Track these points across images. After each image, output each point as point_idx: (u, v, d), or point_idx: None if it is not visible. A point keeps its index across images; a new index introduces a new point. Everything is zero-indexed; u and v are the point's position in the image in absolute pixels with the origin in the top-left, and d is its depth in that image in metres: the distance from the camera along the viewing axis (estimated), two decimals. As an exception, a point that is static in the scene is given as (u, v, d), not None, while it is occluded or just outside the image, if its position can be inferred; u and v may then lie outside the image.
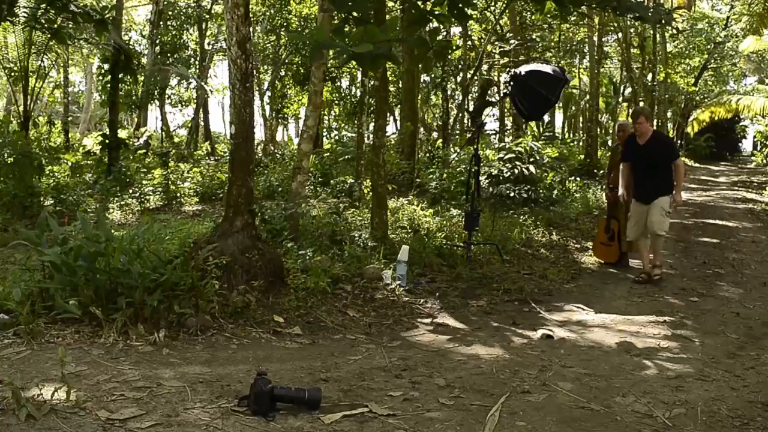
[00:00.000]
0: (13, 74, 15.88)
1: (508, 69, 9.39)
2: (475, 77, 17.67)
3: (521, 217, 9.50)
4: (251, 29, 5.32)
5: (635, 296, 6.05)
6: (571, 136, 33.21)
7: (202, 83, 21.60)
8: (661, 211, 6.39)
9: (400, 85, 18.00)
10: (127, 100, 18.55)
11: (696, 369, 3.99)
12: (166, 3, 20.15)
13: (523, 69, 7.09)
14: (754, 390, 3.65)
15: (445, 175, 11.64)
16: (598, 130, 22.98)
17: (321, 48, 4.39)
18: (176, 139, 24.93)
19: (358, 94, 17.84)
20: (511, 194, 10.41)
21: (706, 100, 27.83)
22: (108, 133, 13.47)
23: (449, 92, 20.56)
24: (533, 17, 18.11)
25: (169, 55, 21.16)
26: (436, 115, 27.46)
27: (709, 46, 27.35)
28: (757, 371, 3.99)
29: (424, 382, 3.65)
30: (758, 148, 29.03)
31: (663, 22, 6.41)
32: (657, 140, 6.64)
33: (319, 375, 3.67)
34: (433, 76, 19.43)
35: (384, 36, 4.00)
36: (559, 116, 33.39)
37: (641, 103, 25.83)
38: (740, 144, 40.16)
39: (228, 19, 5.06)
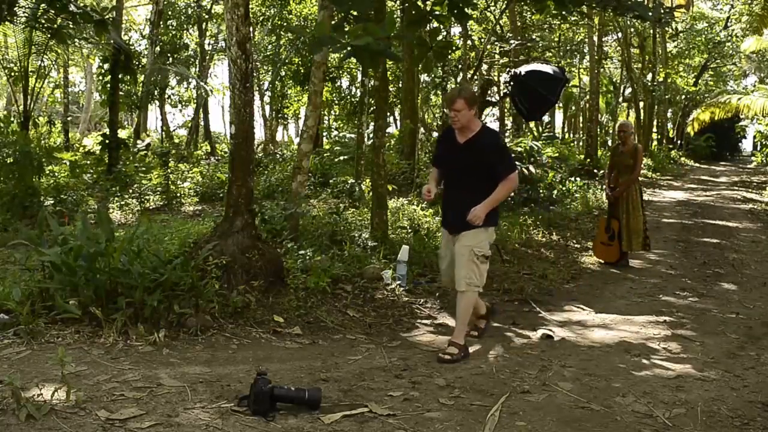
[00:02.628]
0: (13, 74, 15.89)
1: (508, 69, 9.40)
2: (475, 77, 17.68)
3: (521, 217, 9.49)
4: (251, 29, 5.32)
5: (635, 296, 6.05)
6: (571, 136, 33.22)
7: (202, 83, 21.60)
8: (471, 256, 4.14)
9: (400, 85, 17.99)
10: (127, 100, 18.55)
11: (696, 369, 3.99)
12: (166, 3, 20.15)
13: (523, 69, 7.11)
14: (754, 390, 3.65)
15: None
16: (598, 130, 22.99)
17: (321, 43, 4.39)
18: (176, 139, 24.94)
19: (358, 94, 17.84)
20: (512, 194, 10.41)
21: (706, 100, 27.81)
22: (108, 133, 13.47)
23: (449, 92, 20.52)
24: (533, 17, 18.12)
25: (169, 55, 21.16)
26: (436, 115, 27.45)
27: (709, 46, 27.35)
28: (757, 371, 3.99)
29: (424, 382, 3.65)
30: (758, 148, 29.02)
31: (662, 21, 6.41)
32: (482, 140, 4.23)
33: (319, 375, 3.67)
34: (433, 76, 19.41)
35: (383, 33, 3.99)
36: (559, 116, 33.42)
37: (641, 103, 25.90)
38: (740, 144, 40.18)
39: (228, 19, 5.06)
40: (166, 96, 23.56)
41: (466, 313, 4.24)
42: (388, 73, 11.78)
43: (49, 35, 12.18)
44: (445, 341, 4.49)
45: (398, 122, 21.14)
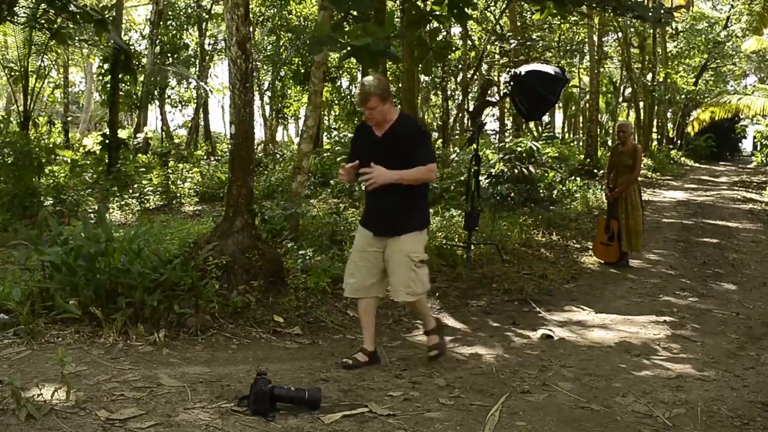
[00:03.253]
0: (13, 74, 15.90)
1: (508, 69, 9.40)
2: (475, 77, 17.69)
3: (521, 217, 9.49)
4: (251, 29, 5.32)
5: (635, 296, 6.05)
6: (571, 136, 33.23)
7: (202, 83, 21.61)
8: (408, 263, 3.79)
9: (400, 85, 17.99)
10: (127, 100, 18.56)
11: (696, 369, 3.99)
12: (166, 3, 20.15)
13: (523, 69, 7.10)
14: (754, 390, 3.65)
15: (445, 175, 11.63)
16: (598, 130, 22.99)
17: (320, 43, 4.39)
18: (176, 139, 24.95)
19: (358, 94, 17.82)
20: (511, 194, 10.42)
21: (706, 100, 27.83)
22: (108, 133, 13.48)
23: (449, 92, 20.57)
24: (533, 17, 18.11)
25: (169, 55, 21.16)
26: (436, 115, 27.45)
27: (709, 46, 27.36)
28: (757, 371, 3.99)
29: (424, 382, 3.65)
30: (758, 148, 29.02)
31: (662, 21, 6.40)
32: (401, 128, 3.82)
33: (319, 375, 3.67)
34: (433, 76, 19.42)
35: (383, 33, 3.99)
36: (559, 116, 33.47)
37: (641, 103, 25.90)
38: (740, 144, 40.19)
39: (228, 19, 5.06)
40: (166, 96, 23.57)
41: (424, 307, 4.06)
42: (388, 73, 11.77)
43: (49, 35, 12.19)
44: (445, 341, 4.49)
45: (398, 122, 21.06)
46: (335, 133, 23.21)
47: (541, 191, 11.46)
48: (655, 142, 28.55)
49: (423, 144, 3.81)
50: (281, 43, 21.11)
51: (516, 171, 10.86)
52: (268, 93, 24.11)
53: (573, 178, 14.45)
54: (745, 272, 7.18)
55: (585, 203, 11.73)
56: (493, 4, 17.69)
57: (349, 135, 18.46)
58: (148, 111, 22.86)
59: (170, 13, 21.35)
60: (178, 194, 11.83)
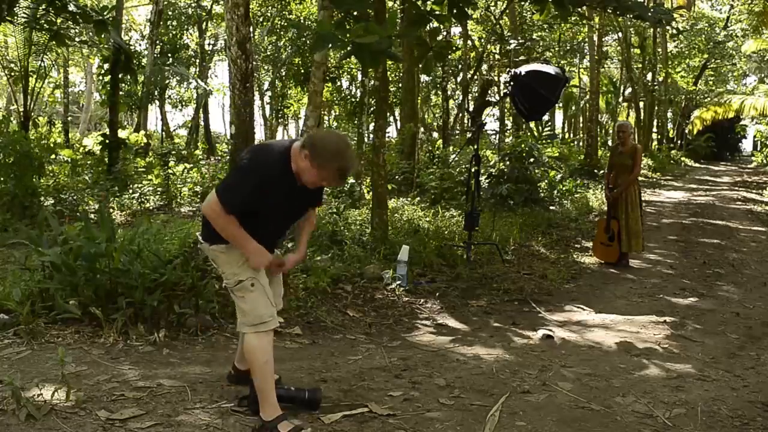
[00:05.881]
0: (13, 74, 15.89)
1: (508, 69, 9.40)
2: (475, 77, 17.70)
3: (521, 217, 9.49)
4: (251, 29, 5.32)
5: (635, 296, 6.05)
6: (571, 136, 33.23)
7: (202, 83, 21.61)
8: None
9: (400, 85, 18.01)
10: (127, 100, 18.56)
11: (696, 369, 3.99)
12: (166, 3, 20.15)
13: (523, 69, 7.09)
14: (754, 390, 3.65)
15: (445, 175, 11.63)
16: (598, 130, 22.98)
17: (323, 41, 4.38)
18: (176, 139, 24.95)
19: (358, 94, 17.85)
20: (511, 194, 10.42)
21: (706, 100, 27.85)
22: (108, 133, 13.47)
23: (449, 92, 20.58)
24: (533, 17, 18.12)
25: (169, 55, 21.16)
26: (436, 115, 27.46)
27: (709, 46, 27.37)
28: (757, 371, 3.99)
29: (424, 382, 3.65)
30: (758, 148, 29.04)
31: (663, 21, 6.40)
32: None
33: (319, 375, 3.67)
34: (433, 76, 19.43)
35: (384, 32, 3.99)
36: (559, 116, 33.46)
37: (641, 103, 25.90)
38: (740, 144, 40.23)
39: (228, 19, 5.06)
40: (166, 96, 23.57)
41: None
42: (389, 73, 11.77)
43: (49, 36, 12.18)
44: (446, 341, 4.50)
45: (398, 122, 21.14)
46: (335, 133, 23.19)
47: (541, 191, 11.46)
48: (655, 142, 28.56)
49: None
50: (281, 43, 21.13)
51: (516, 171, 10.86)
52: (268, 93, 24.13)
53: (573, 178, 14.46)
54: (745, 272, 7.18)
55: (585, 203, 11.74)
56: (493, 4, 17.69)
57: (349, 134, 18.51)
58: (148, 111, 22.89)
59: (170, 13, 21.36)
60: (178, 194, 11.82)
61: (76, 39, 16.19)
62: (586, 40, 19.88)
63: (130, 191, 11.41)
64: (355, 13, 5.67)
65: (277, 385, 3.09)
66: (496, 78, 17.48)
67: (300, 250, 3.27)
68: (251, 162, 2.89)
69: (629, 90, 26.10)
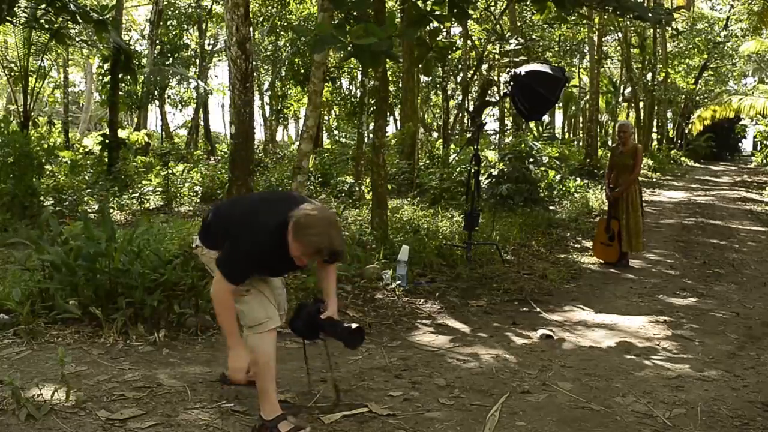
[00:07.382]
0: (13, 74, 15.89)
1: (508, 69, 9.40)
2: (475, 77, 17.69)
3: (521, 217, 9.49)
4: (251, 29, 5.32)
5: (635, 296, 6.05)
6: (571, 136, 33.24)
7: (202, 83, 21.61)
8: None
9: (400, 85, 18.00)
10: (127, 100, 18.56)
11: (696, 369, 3.99)
12: (166, 3, 20.16)
13: (523, 69, 7.08)
14: (754, 390, 3.65)
15: (445, 175, 11.65)
16: (598, 130, 22.99)
17: (323, 42, 4.39)
18: (176, 139, 24.95)
19: (358, 94, 17.85)
20: (511, 194, 10.42)
21: (706, 100, 27.86)
22: (108, 133, 13.47)
23: (449, 92, 20.59)
24: (533, 17, 18.12)
25: (169, 55, 21.17)
26: (436, 115, 27.47)
27: (709, 46, 27.38)
28: (757, 371, 3.99)
29: (424, 382, 3.65)
30: (758, 148, 29.04)
31: (663, 22, 6.41)
32: None
33: (319, 375, 3.67)
34: (433, 76, 19.43)
35: (384, 33, 4.00)
36: (559, 116, 33.46)
37: (641, 103, 25.90)
38: (740, 144, 40.23)
39: (228, 19, 5.07)
40: (166, 96, 23.57)
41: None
42: (388, 73, 11.78)
43: (49, 35, 12.19)
44: (445, 341, 4.50)
45: (398, 122, 21.14)
46: (335, 133, 23.24)
47: (541, 191, 11.47)
48: (655, 142, 28.56)
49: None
50: (281, 43, 21.13)
51: (516, 171, 10.86)
52: (268, 93, 24.13)
53: (573, 178, 14.46)
54: (745, 272, 7.18)
55: (585, 203, 11.74)
56: (493, 4, 17.69)
57: (348, 138, 18.50)
58: (148, 111, 22.91)
59: (170, 13, 21.37)
60: (178, 194, 11.83)
61: (76, 39, 16.19)
62: (586, 40, 19.89)
63: (130, 191, 11.41)
64: (355, 13, 5.66)
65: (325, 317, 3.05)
66: (496, 78, 17.47)
67: (332, 308, 3.23)
68: (243, 240, 2.83)
69: (629, 90, 26.11)
